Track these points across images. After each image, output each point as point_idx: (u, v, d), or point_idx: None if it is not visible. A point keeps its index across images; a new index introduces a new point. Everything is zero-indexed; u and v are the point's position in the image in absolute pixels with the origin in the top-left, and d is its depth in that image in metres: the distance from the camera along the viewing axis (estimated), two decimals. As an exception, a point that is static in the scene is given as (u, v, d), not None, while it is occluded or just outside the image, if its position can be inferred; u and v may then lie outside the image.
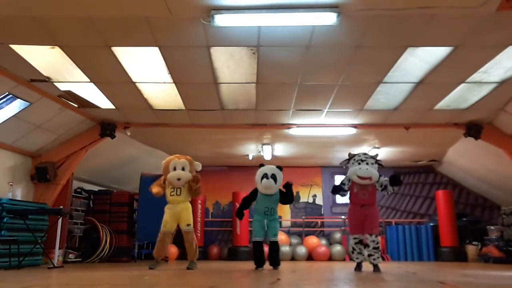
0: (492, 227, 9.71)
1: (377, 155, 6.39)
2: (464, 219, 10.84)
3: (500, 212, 9.71)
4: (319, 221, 11.96)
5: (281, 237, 11.14)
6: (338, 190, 6.25)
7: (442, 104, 7.16)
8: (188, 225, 6.26)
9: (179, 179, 6.24)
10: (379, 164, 6.21)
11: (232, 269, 6.48)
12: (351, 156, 6.29)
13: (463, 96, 6.82)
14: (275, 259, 6.47)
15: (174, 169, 6.32)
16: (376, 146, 9.83)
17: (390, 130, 8.55)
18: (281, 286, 3.83)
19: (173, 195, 6.31)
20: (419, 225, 11.20)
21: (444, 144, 9.60)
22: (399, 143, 9.65)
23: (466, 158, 9.90)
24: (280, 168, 6.63)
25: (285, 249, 10.77)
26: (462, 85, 6.40)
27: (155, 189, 6.46)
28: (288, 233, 11.59)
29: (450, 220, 10.41)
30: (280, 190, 6.61)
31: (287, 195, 6.64)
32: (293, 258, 10.77)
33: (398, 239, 10.81)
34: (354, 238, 6.11)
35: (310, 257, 10.83)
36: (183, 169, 6.32)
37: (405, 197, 12.09)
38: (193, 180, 6.33)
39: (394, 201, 12.00)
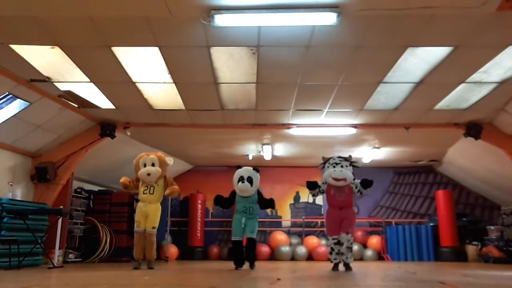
0: (492, 227, 9.70)
1: (350, 157, 6.53)
2: (464, 219, 10.84)
3: (500, 212, 9.70)
4: (319, 221, 11.95)
5: (281, 237, 11.19)
6: (313, 186, 6.50)
7: (442, 104, 7.16)
8: (153, 227, 6.42)
9: (149, 174, 6.40)
10: (354, 166, 6.40)
11: (232, 269, 6.48)
12: (326, 160, 6.53)
13: (463, 96, 6.82)
14: (251, 255, 6.57)
15: (144, 166, 6.45)
16: (376, 146, 9.82)
17: (390, 130, 8.55)
18: (281, 286, 3.83)
19: (146, 193, 6.49)
20: (419, 225, 11.20)
21: (444, 144, 9.59)
22: (399, 143, 9.65)
23: (466, 158, 9.90)
24: (256, 170, 6.72)
25: (285, 249, 10.79)
26: (462, 85, 6.40)
27: (123, 179, 6.65)
28: (288, 233, 11.59)
29: (450, 220, 10.41)
30: (259, 193, 6.69)
31: (265, 202, 6.71)
32: (293, 258, 10.77)
33: (398, 239, 10.81)
34: (333, 239, 6.27)
35: (310, 257, 10.83)
36: (153, 165, 6.45)
37: (405, 197, 12.08)
38: (170, 193, 6.54)
39: (394, 201, 12.00)
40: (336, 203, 6.27)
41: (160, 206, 6.61)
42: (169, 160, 6.67)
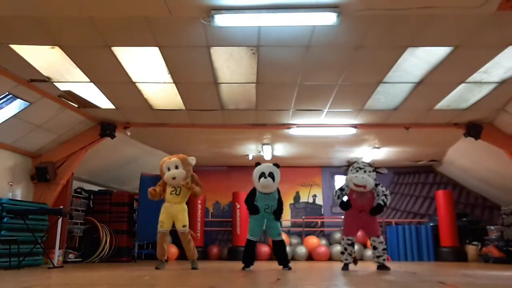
0: (492, 227, 9.71)
1: (373, 163, 6.45)
2: (464, 219, 10.83)
3: (500, 212, 9.70)
4: (319, 221, 11.96)
5: (281, 237, 11.19)
6: (346, 205, 6.28)
7: (442, 104, 7.16)
8: (183, 226, 6.37)
9: (174, 178, 6.36)
10: (378, 172, 6.32)
11: (232, 269, 6.48)
12: (350, 164, 6.45)
13: (463, 96, 6.82)
14: (283, 259, 6.44)
15: (168, 169, 6.42)
16: (376, 146, 9.82)
17: (390, 130, 8.55)
18: (281, 286, 3.83)
19: (173, 194, 6.43)
20: (419, 225, 11.20)
21: (444, 144, 9.60)
22: (399, 143, 9.65)
23: (466, 158, 9.90)
24: (277, 166, 6.58)
25: (285, 249, 10.79)
26: (462, 85, 6.40)
27: (150, 189, 6.58)
28: (288, 233, 11.57)
29: (450, 220, 10.40)
30: (279, 191, 6.58)
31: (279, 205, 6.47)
32: (293, 258, 10.75)
33: (398, 239, 10.80)
34: (348, 239, 6.25)
35: (310, 257, 10.83)
36: (176, 167, 6.40)
37: (405, 197, 12.09)
38: (190, 187, 6.43)
39: (394, 201, 11.99)
40: (357, 206, 6.18)
41: (186, 206, 6.53)
42: (192, 159, 6.58)
